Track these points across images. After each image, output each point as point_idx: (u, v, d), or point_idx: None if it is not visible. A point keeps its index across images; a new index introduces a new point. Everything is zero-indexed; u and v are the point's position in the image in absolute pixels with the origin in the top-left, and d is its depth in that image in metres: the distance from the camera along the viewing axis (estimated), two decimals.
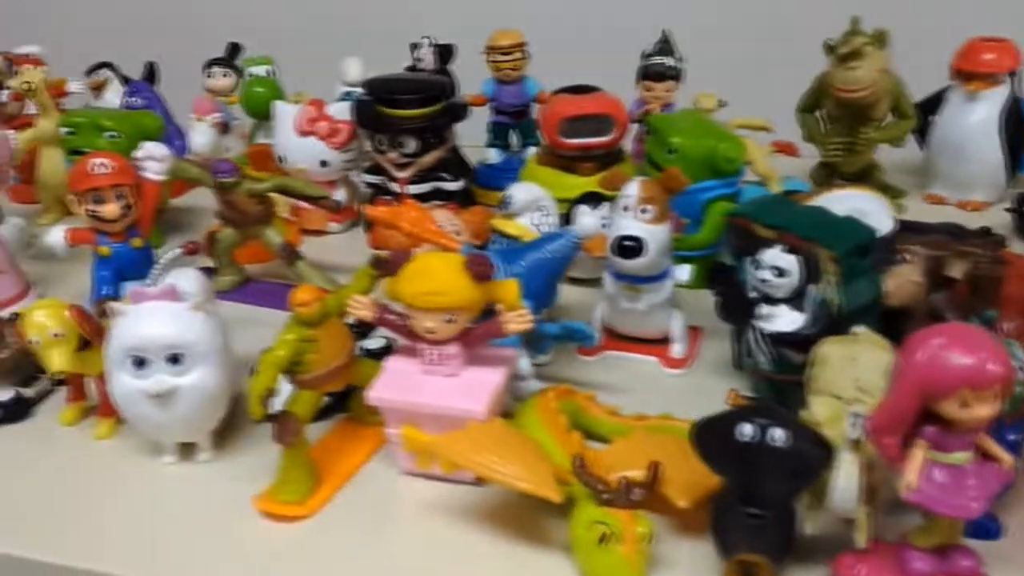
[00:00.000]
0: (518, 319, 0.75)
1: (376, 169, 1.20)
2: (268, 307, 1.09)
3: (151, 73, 1.46)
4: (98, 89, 1.47)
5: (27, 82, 1.23)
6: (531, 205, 0.94)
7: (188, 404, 0.78)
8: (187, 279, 0.87)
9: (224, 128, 1.39)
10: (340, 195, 1.24)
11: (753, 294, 0.82)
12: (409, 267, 0.76)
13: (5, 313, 1.03)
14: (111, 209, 0.98)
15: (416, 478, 0.79)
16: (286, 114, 1.22)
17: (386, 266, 0.78)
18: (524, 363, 0.85)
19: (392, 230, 0.98)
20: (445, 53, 1.29)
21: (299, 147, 1.21)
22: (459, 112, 1.16)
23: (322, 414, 0.84)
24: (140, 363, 0.76)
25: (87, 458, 0.85)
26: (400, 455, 0.79)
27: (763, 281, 0.81)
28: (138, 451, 0.84)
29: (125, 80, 1.47)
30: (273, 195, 1.10)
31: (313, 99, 1.22)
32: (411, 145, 1.14)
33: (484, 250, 0.97)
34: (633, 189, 0.87)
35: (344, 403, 0.86)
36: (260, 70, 1.37)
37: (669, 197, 0.87)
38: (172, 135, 1.32)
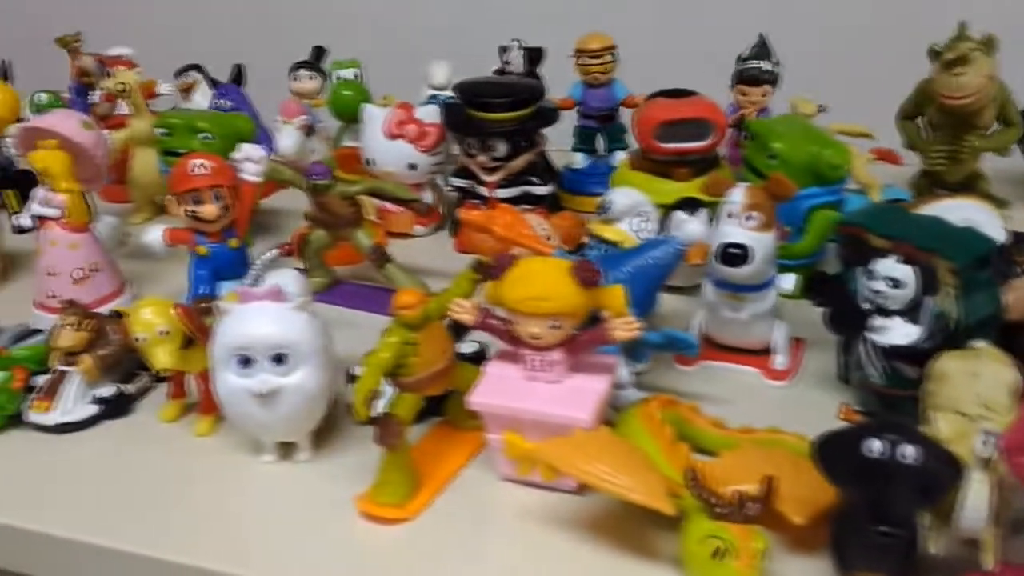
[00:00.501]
0: (625, 326, 0.74)
1: (464, 172, 1.20)
2: (356, 309, 1.09)
3: (239, 75, 1.48)
4: (187, 91, 1.49)
5: (122, 83, 1.26)
6: (631, 210, 0.92)
7: (291, 404, 0.78)
8: (287, 279, 0.87)
9: (309, 131, 1.40)
10: (426, 198, 1.24)
11: (865, 305, 0.80)
12: (513, 272, 0.75)
13: (104, 309, 1.05)
14: (210, 210, 0.99)
15: (515, 484, 0.78)
16: (375, 117, 1.22)
17: (488, 270, 0.77)
18: (623, 371, 0.84)
19: (484, 234, 0.98)
20: (534, 56, 1.29)
21: (387, 150, 1.21)
22: (550, 116, 1.15)
23: (416, 418, 0.84)
24: (245, 362, 0.77)
25: (187, 455, 0.85)
26: (499, 460, 0.78)
27: (877, 292, 0.78)
28: (238, 449, 0.85)
29: (213, 83, 1.49)
30: (361, 197, 1.11)
31: (402, 102, 1.22)
32: (501, 149, 1.13)
33: (575, 255, 0.96)
34: (738, 195, 0.85)
35: (438, 407, 0.86)
36: (348, 73, 1.37)
37: (775, 204, 0.85)
38: (260, 137, 1.33)
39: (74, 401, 0.89)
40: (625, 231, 0.92)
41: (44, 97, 1.35)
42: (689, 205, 1.01)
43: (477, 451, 0.83)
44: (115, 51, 1.42)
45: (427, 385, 0.78)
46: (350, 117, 1.32)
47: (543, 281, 0.73)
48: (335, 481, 0.80)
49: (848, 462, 0.62)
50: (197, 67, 1.51)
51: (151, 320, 0.82)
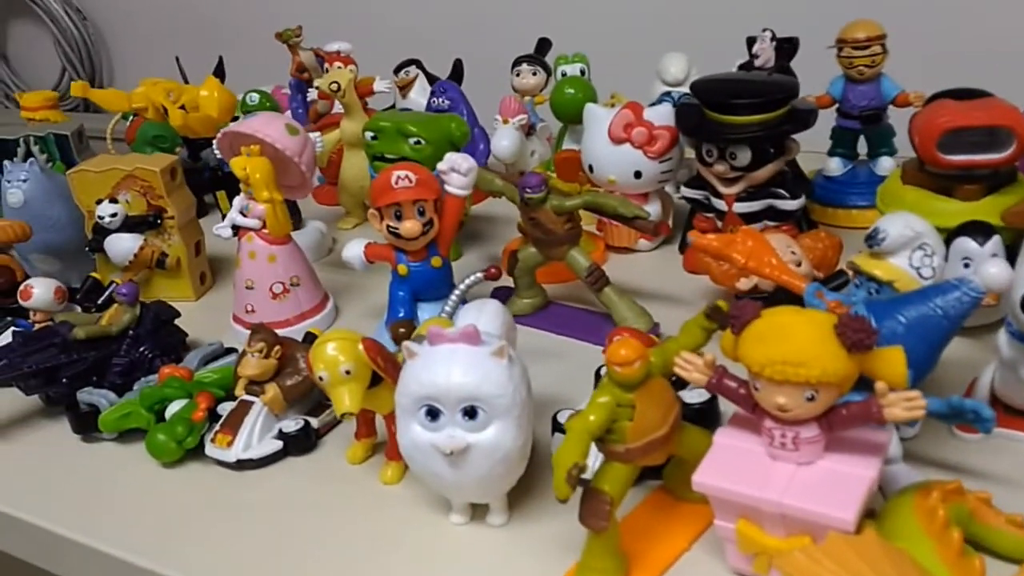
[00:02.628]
0: (906, 404, 0.57)
1: (698, 182, 1.04)
2: (568, 336, 0.97)
3: (457, 71, 1.39)
4: (405, 88, 1.42)
5: (335, 82, 1.19)
6: (909, 242, 0.73)
7: (483, 464, 0.67)
8: (488, 314, 0.76)
9: (529, 131, 1.29)
10: (653, 209, 1.11)
11: None
12: (759, 325, 0.59)
13: (299, 327, 0.99)
14: (411, 227, 0.89)
15: None
16: (598, 119, 1.09)
17: (727, 320, 0.62)
18: (893, 444, 0.67)
19: (722, 261, 0.83)
20: (788, 48, 1.10)
21: (611, 155, 1.08)
22: (805, 118, 0.97)
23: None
24: (432, 414, 0.66)
25: (370, 504, 0.76)
26: (729, 549, 0.64)
27: None
28: (427, 503, 0.75)
29: (431, 79, 1.41)
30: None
31: (630, 102, 1.08)
32: (743, 157, 0.96)
33: (829, 285, 0.79)
34: None
35: (657, 468, 0.71)
36: (573, 69, 1.25)
37: None
38: (477, 138, 1.24)
39: (258, 435, 0.82)
40: (902, 268, 0.73)
41: (255, 97, 1.32)
42: (978, 231, 0.81)
43: (702, 530, 0.69)
44: (333, 46, 1.36)
45: (643, 455, 0.64)
46: (572, 118, 1.20)
47: (798, 340, 0.57)
48: (532, 554, 0.69)
49: None
50: (416, 62, 1.44)
51: (334, 357, 0.72)
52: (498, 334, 0.73)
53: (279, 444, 0.81)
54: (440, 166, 0.92)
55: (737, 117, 0.96)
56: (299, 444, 0.82)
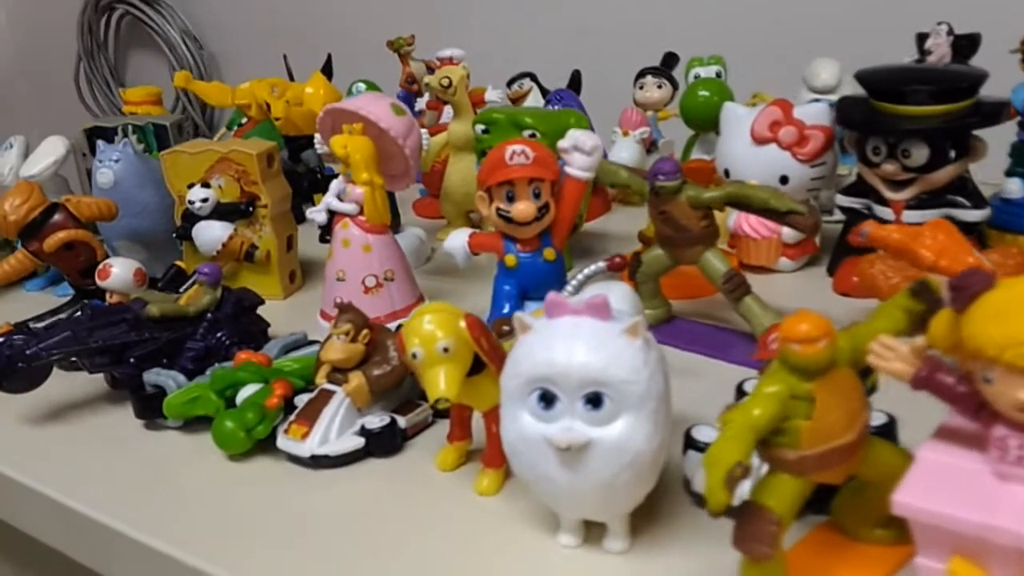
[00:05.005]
0: None
1: (859, 188, 0.89)
2: (697, 352, 0.84)
3: (575, 82, 1.30)
4: (517, 101, 1.33)
5: (447, 77, 1.10)
6: None
7: (605, 467, 0.53)
8: (616, 295, 0.64)
9: (650, 146, 1.19)
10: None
11: None
12: (995, 296, 0.45)
13: (393, 324, 0.87)
14: (524, 209, 0.78)
15: None
16: (739, 118, 0.97)
17: (937, 300, 0.48)
18: None
19: (904, 259, 0.68)
20: (966, 45, 0.96)
21: (753, 157, 0.95)
22: (995, 112, 0.82)
23: None
24: (547, 400, 0.53)
25: (461, 517, 0.64)
26: None
27: None
28: (528, 520, 0.62)
29: (545, 92, 1.32)
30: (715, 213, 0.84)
31: (779, 99, 0.95)
32: (920, 155, 0.82)
33: None
34: None
35: (823, 500, 0.56)
36: (708, 71, 1.13)
37: None
38: None
39: (337, 430, 0.70)
40: None
41: (362, 87, 1.25)
42: None
43: None
44: (446, 52, 1.28)
45: (820, 467, 0.50)
46: (705, 123, 1.08)
47: None
48: None
49: None
50: (531, 75, 1.35)
51: (432, 332, 0.59)
52: (631, 314, 0.60)
53: (360, 441, 0.69)
54: (561, 144, 0.81)
55: (913, 108, 0.81)
56: (383, 443, 0.70)
